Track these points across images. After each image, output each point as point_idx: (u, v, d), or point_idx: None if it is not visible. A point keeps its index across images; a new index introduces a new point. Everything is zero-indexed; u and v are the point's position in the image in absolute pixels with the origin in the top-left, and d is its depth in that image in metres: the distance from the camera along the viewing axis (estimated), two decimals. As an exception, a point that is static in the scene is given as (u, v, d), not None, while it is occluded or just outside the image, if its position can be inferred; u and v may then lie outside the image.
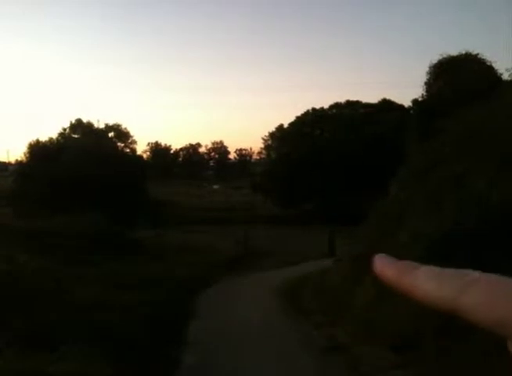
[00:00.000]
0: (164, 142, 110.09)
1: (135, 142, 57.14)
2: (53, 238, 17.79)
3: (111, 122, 55.91)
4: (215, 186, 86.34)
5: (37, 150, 43.82)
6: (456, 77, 24.45)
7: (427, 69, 28.31)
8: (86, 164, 37.82)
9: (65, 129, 51.57)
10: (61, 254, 15.41)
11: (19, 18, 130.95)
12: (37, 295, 8.88)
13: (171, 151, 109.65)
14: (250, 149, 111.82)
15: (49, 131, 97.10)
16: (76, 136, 51.01)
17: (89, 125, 52.36)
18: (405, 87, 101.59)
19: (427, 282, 0.33)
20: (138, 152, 63.15)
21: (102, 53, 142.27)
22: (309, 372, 7.66)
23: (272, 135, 65.55)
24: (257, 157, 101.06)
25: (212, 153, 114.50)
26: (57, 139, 48.82)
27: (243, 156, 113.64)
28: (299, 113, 55.36)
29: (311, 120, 52.66)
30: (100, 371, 6.18)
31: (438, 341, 6.76)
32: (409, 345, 7.22)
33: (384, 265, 0.36)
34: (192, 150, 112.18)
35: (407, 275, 0.35)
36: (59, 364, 6.27)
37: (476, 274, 0.32)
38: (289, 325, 10.98)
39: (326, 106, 54.82)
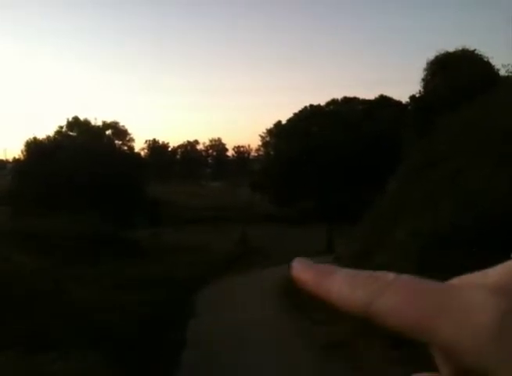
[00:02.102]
0: (161, 139, 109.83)
1: (132, 139, 56.98)
2: (51, 238, 17.77)
3: (109, 120, 55.75)
4: (213, 184, 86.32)
5: (35, 148, 43.70)
6: (453, 73, 24.46)
7: (424, 65, 28.36)
8: (83, 162, 37.77)
9: (61, 127, 51.46)
10: (59, 255, 15.40)
11: (17, 19, 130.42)
12: (35, 295, 8.88)
13: (169, 149, 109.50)
14: (249, 146, 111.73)
15: (48, 129, 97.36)
16: (73, 134, 50.90)
17: (86, 123, 52.23)
18: (403, 83, 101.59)
19: (342, 287, 0.31)
20: (136, 149, 63.00)
21: (99, 52, 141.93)
22: (309, 368, 7.69)
23: (269, 131, 65.50)
24: (256, 154, 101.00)
25: (210, 151, 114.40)
26: (54, 136, 48.72)
27: (242, 153, 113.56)
28: (297, 111, 55.44)
29: (308, 117, 52.64)
30: (100, 372, 6.19)
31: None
32: (409, 342, 7.25)
33: (302, 270, 0.33)
34: (190, 147, 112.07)
35: (324, 279, 0.32)
36: (58, 364, 6.28)
37: (390, 276, 0.30)
38: (288, 322, 11.01)
39: (323, 103, 54.90)
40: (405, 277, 0.30)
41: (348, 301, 0.31)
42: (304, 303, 12.59)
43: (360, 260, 11.14)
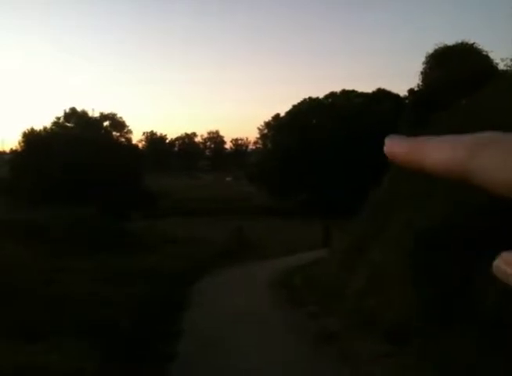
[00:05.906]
0: (159, 131, 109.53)
1: (130, 131, 56.79)
2: (48, 229, 17.71)
3: (106, 111, 55.48)
4: (210, 177, 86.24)
5: (32, 138, 43.50)
6: (452, 66, 24.37)
7: (423, 59, 28.25)
8: (80, 153, 37.61)
9: (59, 118, 51.22)
10: (55, 246, 15.36)
11: (17, 12, 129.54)
12: (28, 287, 8.86)
13: (167, 141, 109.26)
14: (247, 139, 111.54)
15: (45, 120, 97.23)
16: (70, 125, 50.68)
17: (84, 114, 51.99)
18: (401, 77, 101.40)
19: (438, 148, 0.31)
20: (134, 141, 62.79)
21: (98, 44, 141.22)
22: (302, 360, 7.70)
23: (267, 124, 65.30)
24: (253, 147, 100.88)
25: (208, 143, 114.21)
26: (51, 127, 48.50)
27: (239, 146, 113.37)
28: (295, 103, 55.23)
29: (306, 109, 52.47)
30: (91, 363, 6.19)
31: (430, 330, 6.80)
32: (402, 334, 7.27)
33: (395, 143, 0.34)
34: (187, 139, 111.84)
35: (421, 147, 0.32)
36: (50, 356, 6.27)
37: (492, 134, 0.30)
38: (283, 314, 11.02)
39: (321, 96, 54.69)
40: (509, 135, 0.29)
41: (445, 160, 0.30)
42: (298, 296, 12.62)
43: (355, 254, 11.15)
